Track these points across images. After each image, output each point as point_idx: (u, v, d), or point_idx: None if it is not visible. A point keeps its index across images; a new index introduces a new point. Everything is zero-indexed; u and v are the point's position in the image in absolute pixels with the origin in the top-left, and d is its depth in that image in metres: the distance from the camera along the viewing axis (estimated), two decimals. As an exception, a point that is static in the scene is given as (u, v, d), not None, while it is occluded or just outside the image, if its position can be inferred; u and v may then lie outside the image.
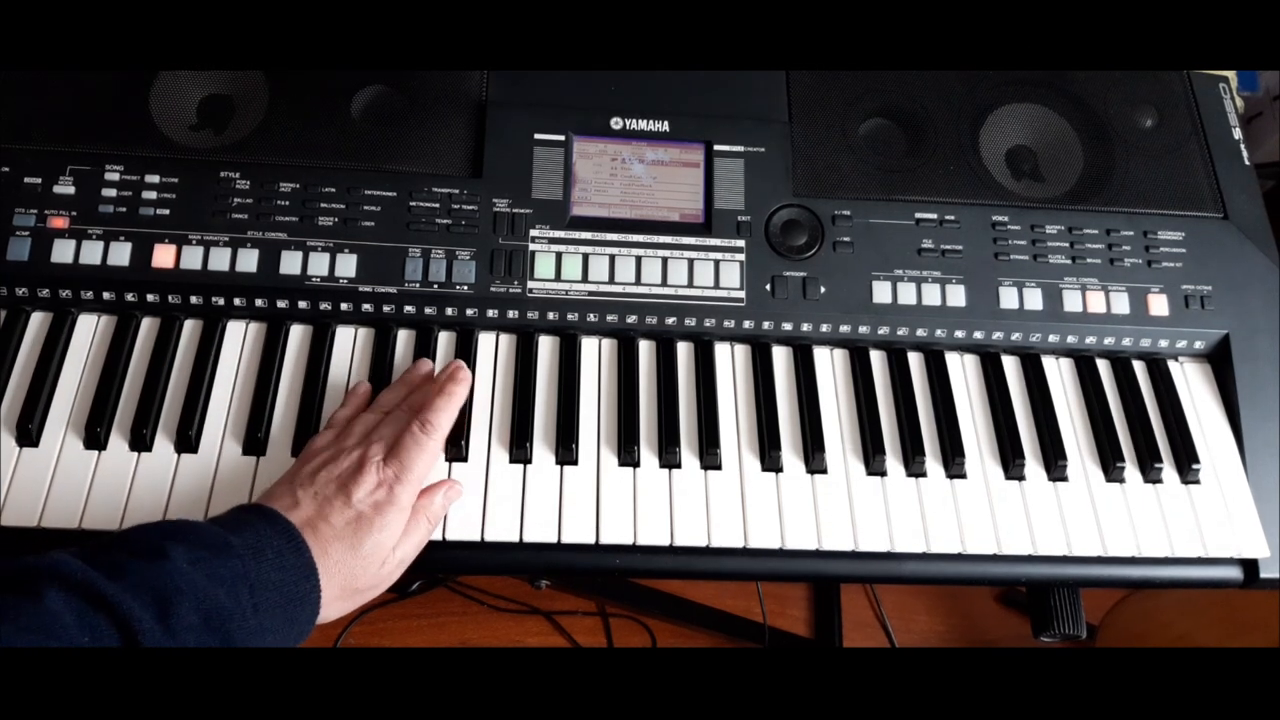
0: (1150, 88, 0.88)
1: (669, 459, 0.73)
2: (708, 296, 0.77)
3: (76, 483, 0.68)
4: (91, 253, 0.73)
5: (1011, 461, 0.75)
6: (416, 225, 0.76)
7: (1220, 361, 0.81)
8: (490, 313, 0.76)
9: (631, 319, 0.77)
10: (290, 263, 0.74)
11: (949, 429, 0.76)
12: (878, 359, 0.80)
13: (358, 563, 0.61)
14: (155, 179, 0.75)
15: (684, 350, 0.78)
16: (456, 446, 0.71)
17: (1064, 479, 0.76)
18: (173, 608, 0.51)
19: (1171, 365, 0.82)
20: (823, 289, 0.78)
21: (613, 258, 0.77)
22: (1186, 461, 0.76)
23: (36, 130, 0.75)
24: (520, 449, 0.72)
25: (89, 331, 0.75)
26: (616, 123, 0.81)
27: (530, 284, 0.76)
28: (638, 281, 0.77)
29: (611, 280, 0.77)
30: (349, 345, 0.76)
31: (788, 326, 0.78)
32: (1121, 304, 0.80)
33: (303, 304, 0.75)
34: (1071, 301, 0.80)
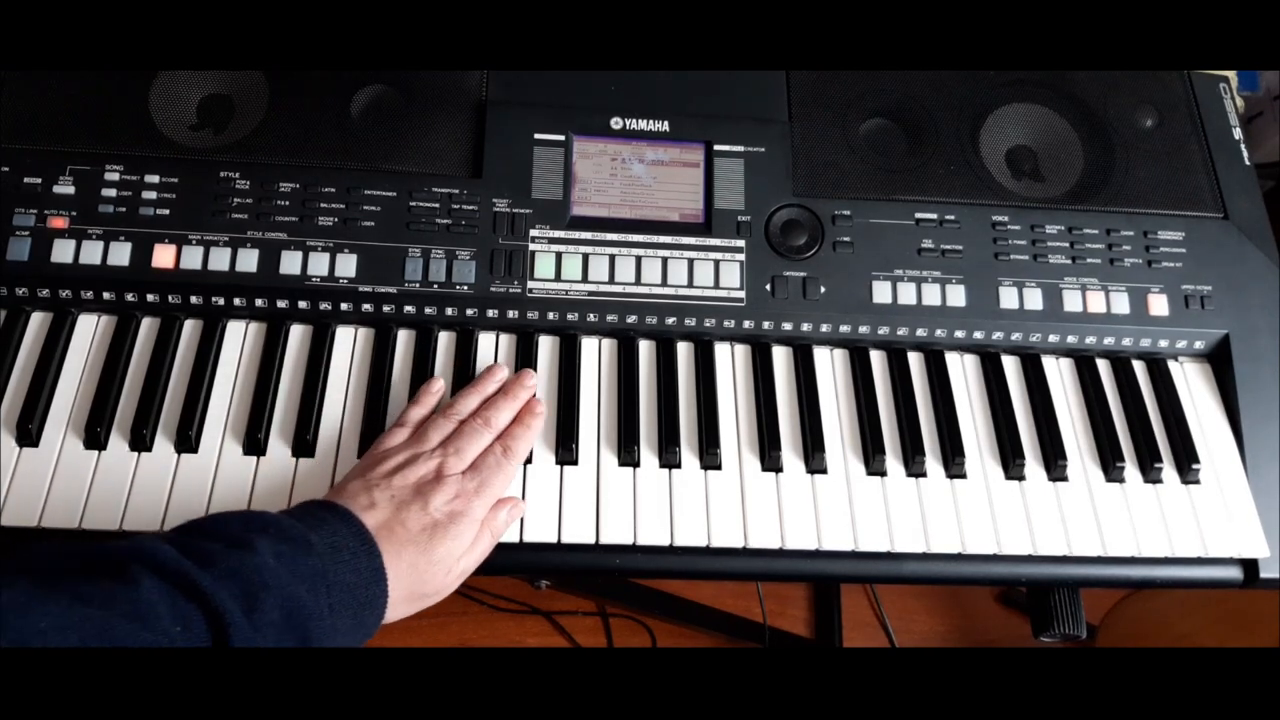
0: (1150, 88, 0.88)
1: (669, 459, 0.73)
2: (708, 296, 0.77)
3: (76, 483, 0.68)
4: (91, 253, 0.73)
5: (1011, 461, 0.75)
6: (416, 225, 0.76)
7: (1220, 361, 0.81)
8: (490, 313, 0.76)
9: (631, 319, 0.77)
10: (290, 263, 0.74)
11: (949, 429, 0.76)
12: (878, 359, 0.80)
13: (427, 569, 0.61)
14: (155, 179, 0.75)
15: (684, 350, 0.78)
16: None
17: (1064, 479, 0.76)
18: (258, 602, 0.51)
19: (1171, 365, 0.82)
20: (823, 289, 0.78)
21: (613, 258, 0.77)
22: (1186, 461, 0.76)
23: (36, 130, 0.75)
24: (520, 449, 0.72)
25: (89, 331, 0.75)
26: (616, 123, 0.81)
27: (530, 284, 0.76)
28: (638, 281, 0.77)
29: (611, 280, 0.77)
30: (349, 345, 0.76)
31: (788, 326, 0.78)
32: (1121, 304, 0.80)
33: (303, 304, 0.75)
34: (1071, 301, 0.79)
